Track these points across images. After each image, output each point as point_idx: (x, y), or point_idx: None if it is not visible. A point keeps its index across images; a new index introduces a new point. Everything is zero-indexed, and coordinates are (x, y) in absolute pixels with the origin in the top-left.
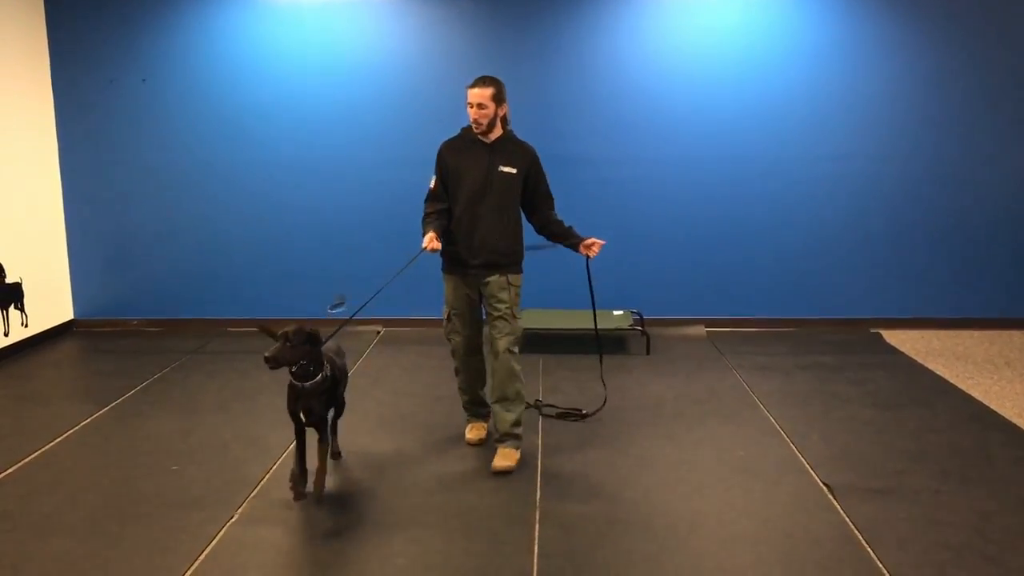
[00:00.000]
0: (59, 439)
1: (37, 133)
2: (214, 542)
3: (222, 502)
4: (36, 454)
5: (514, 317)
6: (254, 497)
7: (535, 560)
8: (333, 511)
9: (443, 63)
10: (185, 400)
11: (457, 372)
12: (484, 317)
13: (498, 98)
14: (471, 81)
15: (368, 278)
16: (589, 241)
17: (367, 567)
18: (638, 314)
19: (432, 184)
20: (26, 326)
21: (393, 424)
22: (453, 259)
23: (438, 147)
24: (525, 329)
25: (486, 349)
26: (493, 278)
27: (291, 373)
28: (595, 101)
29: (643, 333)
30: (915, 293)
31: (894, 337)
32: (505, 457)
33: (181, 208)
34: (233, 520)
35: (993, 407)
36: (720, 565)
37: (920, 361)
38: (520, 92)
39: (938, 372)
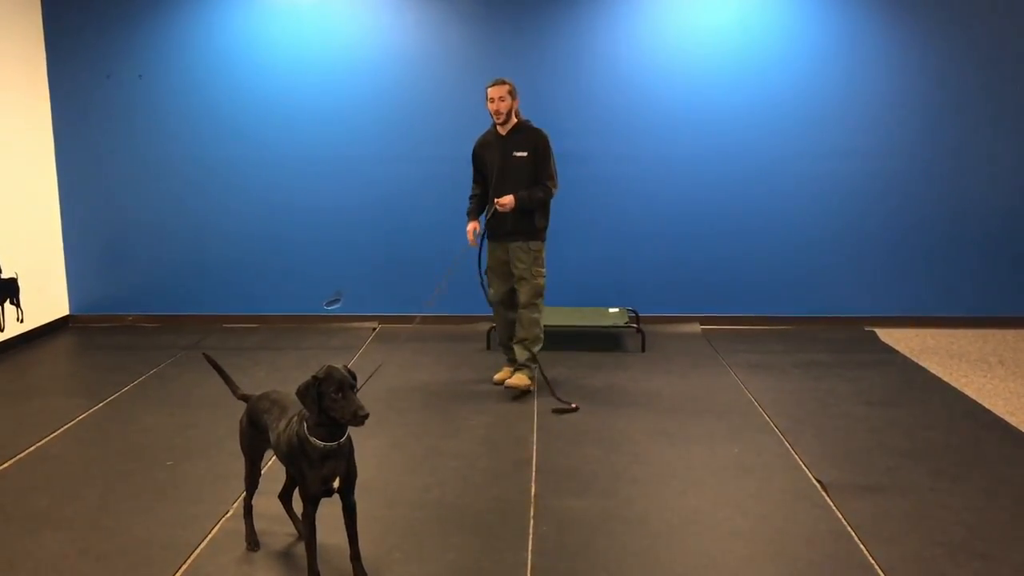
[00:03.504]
0: (54, 434)
1: (33, 128)
2: (209, 536)
3: (217, 497)
4: (31, 449)
5: (532, 276)
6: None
7: (530, 555)
8: (328, 505)
9: (440, 59)
10: (181, 396)
11: (498, 325)
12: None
13: (513, 93)
14: (490, 82)
15: (364, 274)
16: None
17: (363, 561)
18: (633, 312)
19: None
20: (21, 321)
21: (388, 421)
22: (490, 228)
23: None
24: None
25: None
26: (515, 244)
27: (315, 435)
28: (591, 98)
29: (638, 331)
30: (910, 292)
31: (889, 335)
32: (519, 379)
33: (177, 204)
34: (228, 515)
35: (986, 405)
36: (714, 561)
37: (914, 359)
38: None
39: (932, 370)
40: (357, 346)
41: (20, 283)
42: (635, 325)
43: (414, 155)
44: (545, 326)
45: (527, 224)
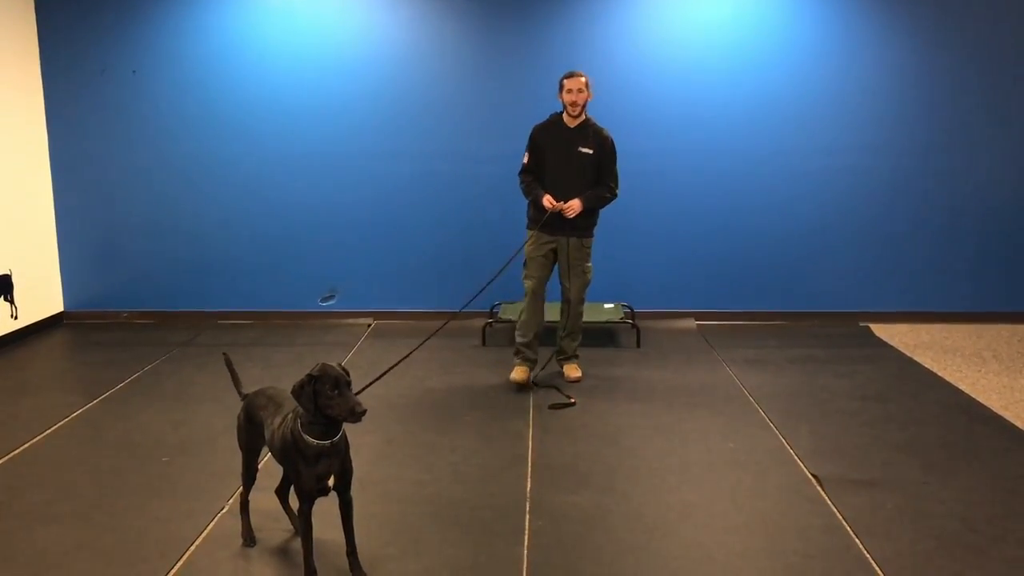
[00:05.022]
0: (49, 431)
1: (27, 124)
2: (205, 532)
3: (213, 493)
4: (26, 445)
5: (584, 272)
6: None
7: (526, 550)
8: (323, 502)
9: (435, 56)
10: (176, 392)
11: (521, 313)
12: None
13: (589, 85)
14: (567, 73)
15: (359, 270)
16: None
17: (360, 557)
18: (628, 307)
19: (526, 160)
20: (16, 318)
21: (383, 416)
22: (538, 220)
23: (530, 130)
24: (514, 322)
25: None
26: (571, 240)
27: (309, 433)
28: None
29: (633, 326)
30: (904, 287)
31: (883, 331)
32: (575, 370)
33: (171, 200)
34: (224, 511)
35: (980, 399)
36: (709, 555)
37: (908, 354)
38: (511, 85)
39: (926, 365)
40: (352, 342)
41: (14, 280)
42: (630, 321)
43: (409, 151)
44: (545, 322)
45: (587, 221)
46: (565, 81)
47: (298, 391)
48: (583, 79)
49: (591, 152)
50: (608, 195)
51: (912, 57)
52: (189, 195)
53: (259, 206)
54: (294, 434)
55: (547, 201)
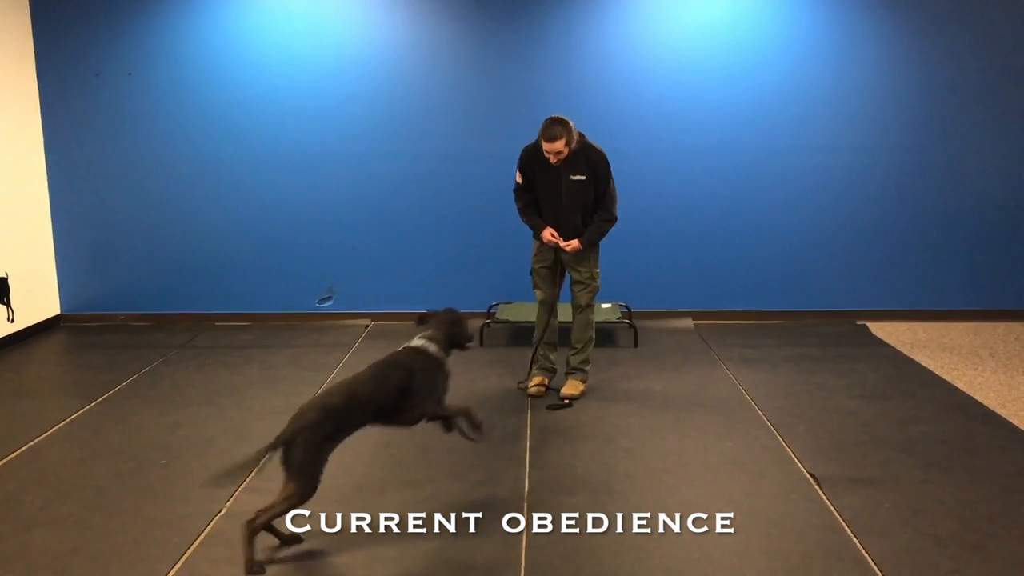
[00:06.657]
0: (46, 434)
1: (22, 127)
2: (203, 535)
3: (210, 496)
4: (23, 449)
5: (593, 279)
6: (242, 490)
7: (524, 551)
8: (318, 512)
9: (432, 55)
10: (173, 394)
11: (537, 324)
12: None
13: (569, 139)
14: (546, 134)
15: (358, 272)
16: (565, 244)
17: (351, 570)
18: (626, 307)
19: (519, 179)
20: (12, 321)
21: None
22: (538, 230)
23: (520, 152)
24: (512, 322)
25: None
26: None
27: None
28: (582, 94)
29: (631, 326)
30: (901, 285)
31: (880, 329)
32: (572, 387)
33: (168, 202)
34: (222, 513)
35: (977, 398)
36: (707, 555)
37: (905, 353)
38: (507, 85)
39: (923, 363)
40: (350, 344)
41: (10, 283)
42: (627, 321)
43: (406, 152)
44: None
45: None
46: (543, 142)
47: (460, 321)
48: (562, 140)
49: (584, 178)
50: (608, 223)
51: (909, 56)
52: (185, 197)
53: (256, 208)
54: (439, 360)
55: (547, 234)
